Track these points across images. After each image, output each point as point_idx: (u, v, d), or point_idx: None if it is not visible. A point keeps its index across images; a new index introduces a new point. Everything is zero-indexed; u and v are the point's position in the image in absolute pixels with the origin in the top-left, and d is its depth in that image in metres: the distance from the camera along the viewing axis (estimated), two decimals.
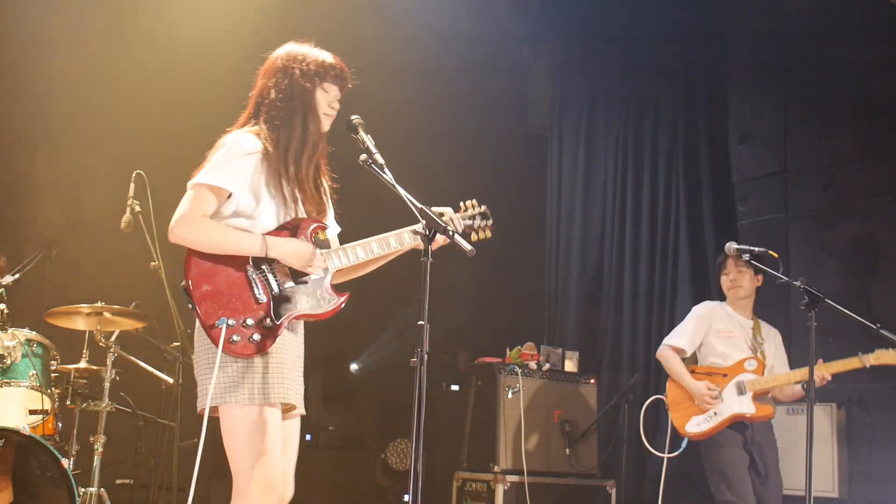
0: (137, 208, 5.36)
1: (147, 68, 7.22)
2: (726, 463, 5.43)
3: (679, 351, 5.75)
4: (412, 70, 7.78)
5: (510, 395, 6.33)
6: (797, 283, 4.67)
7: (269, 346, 3.20)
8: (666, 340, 5.86)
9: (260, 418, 3.17)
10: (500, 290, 8.27)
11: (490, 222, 3.69)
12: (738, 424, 5.48)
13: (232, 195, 3.25)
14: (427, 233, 3.19)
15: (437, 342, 7.86)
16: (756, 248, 5.17)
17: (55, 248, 5.97)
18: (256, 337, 3.18)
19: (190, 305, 3.19)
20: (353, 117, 3.37)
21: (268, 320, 3.21)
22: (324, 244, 3.37)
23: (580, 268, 7.94)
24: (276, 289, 3.26)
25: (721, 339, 5.70)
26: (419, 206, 3.21)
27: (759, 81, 7.52)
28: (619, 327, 7.49)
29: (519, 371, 6.41)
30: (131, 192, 5.38)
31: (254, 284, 3.23)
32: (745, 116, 7.55)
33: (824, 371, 5.26)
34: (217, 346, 3.13)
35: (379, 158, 3.30)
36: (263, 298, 3.23)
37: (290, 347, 3.32)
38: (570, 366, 6.87)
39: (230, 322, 3.15)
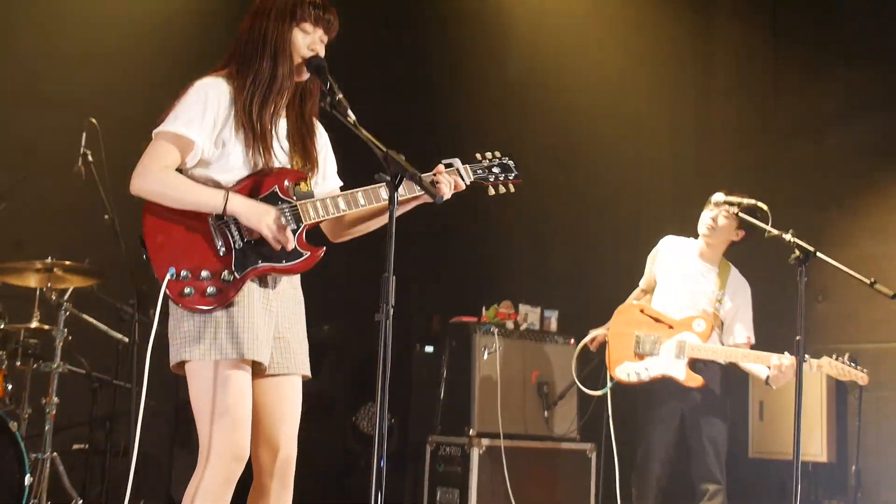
0: (90, 158, 5.08)
1: (102, 14, 6.85)
2: (652, 423, 5.20)
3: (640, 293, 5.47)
4: None
5: (486, 356, 6.12)
6: (787, 236, 4.39)
7: (229, 300, 2.96)
8: None
9: (219, 376, 2.94)
10: (475, 246, 7.95)
11: (513, 175, 3.31)
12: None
13: (196, 143, 3.00)
14: (392, 179, 2.91)
15: (411, 301, 7.66)
16: (745, 200, 4.94)
17: (2, 202, 5.64)
18: (211, 290, 2.94)
19: (145, 257, 3.00)
20: (315, 57, 3.09)
21: (226, 273, 2.96)
22: (305, 195, 3.11)
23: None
24: (238, 241, 3.00)
25: (676, 281, 5.29)
26: (383, 149, 2.92)
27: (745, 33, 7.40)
28: (601, 282, 7.28)
29: (495, 331, 6.20)
30: (83, 141, 5.10)
31: (215, 235, 2.99)
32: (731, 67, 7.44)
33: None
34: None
35: (343, 100, 3.02)
36: (223, 251, 2.99)
37: (261, 302, 3.05)
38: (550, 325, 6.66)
39: (182, 273, 2.93)
